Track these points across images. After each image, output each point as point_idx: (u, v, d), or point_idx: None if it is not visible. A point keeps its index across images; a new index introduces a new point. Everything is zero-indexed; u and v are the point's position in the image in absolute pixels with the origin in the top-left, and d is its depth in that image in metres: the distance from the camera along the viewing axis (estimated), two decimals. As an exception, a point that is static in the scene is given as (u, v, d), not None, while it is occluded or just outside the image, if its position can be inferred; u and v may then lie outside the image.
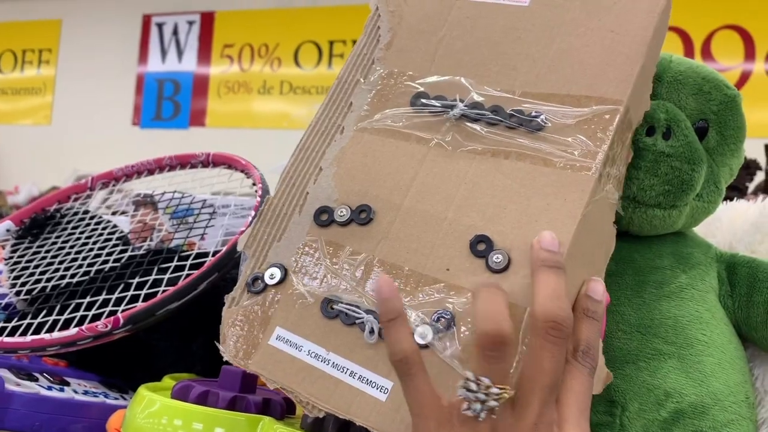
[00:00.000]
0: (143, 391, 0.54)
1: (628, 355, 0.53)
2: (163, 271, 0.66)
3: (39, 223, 0.81)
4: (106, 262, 0.71)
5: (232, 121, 3.61)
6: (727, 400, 0.52)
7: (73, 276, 0.70)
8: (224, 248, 0.64)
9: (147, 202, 0.88)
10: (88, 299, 0.65)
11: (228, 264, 0.63)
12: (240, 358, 0.47)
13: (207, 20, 3.69)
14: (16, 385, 0.60)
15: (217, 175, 0.83)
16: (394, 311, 0.39)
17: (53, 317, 0.64)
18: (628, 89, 0.44)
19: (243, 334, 0.48)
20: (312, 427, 0.50)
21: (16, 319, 0.67)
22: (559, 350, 0.38)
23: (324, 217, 0.49)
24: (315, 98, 3.42)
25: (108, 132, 3.71)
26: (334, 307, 0.45)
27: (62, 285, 0.70)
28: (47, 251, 0.76)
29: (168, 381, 0.61)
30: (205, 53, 3.68)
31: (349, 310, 0.45)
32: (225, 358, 0.48)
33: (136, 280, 0.66)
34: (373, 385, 0.42)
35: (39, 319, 0.64)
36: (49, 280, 0.71)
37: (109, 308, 0.62)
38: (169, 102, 3.73)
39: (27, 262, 0.75)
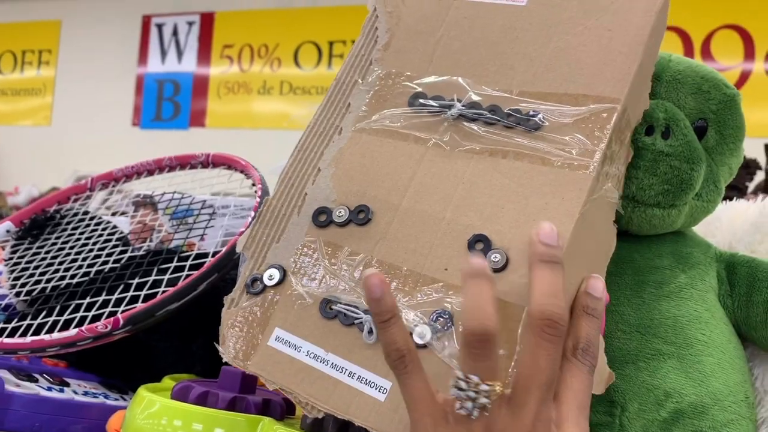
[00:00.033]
0: (143, 392, 0.54)
1: (627, 356, 0.53)
2: (163, 271, 0.66)
3: (39, 224, 0.81)
4: (105, 262, 0.71)
5: (232, 122, 3.61)
6: (726, 400, 0.52)
7: (72, 277, 0.70)
8: (224, 249, 0.64)
9: (147, 202, 0.88)
10: (87, 300, 0.65)
11: (228, 265, 0.63)
12: (239, 359, 0.47)
13: (207, 21, 3.69)
14: (16, 386, 0.60)
15: (216, 176, 0.83)
16: (388, 311, 0.39)
17: (53, 318, 0.64)
18: (625, 88, 0.44)
19: (242, 335, 0.48)
20: (311, 428, 0.50)
21: (16, 320, 0.67)
22: (555, 348, 0.37)
23: (322, 218, 0.49)
24: (315, 98, 3.42)
25: (108, 133, 3.71)
26: (333, 307, 0.45)
27: (62, 286, 0.70)
28: (47, 252, 0.76)
29: (168, 382, 0.61)
30: (204, 54, 3.68)
31: (347, 310, 0.45)
32: (224, 360, 0.48)
33: (136, 280, 0.66)
34: (372, 385, 0.42)
35: (39, 320, 0.64)
36: (49, 280, 0.71)
37: (109, 309, 0.62)
38: (169, 103, 3.74)
39: (27, 263, 0.75)
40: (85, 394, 0.65)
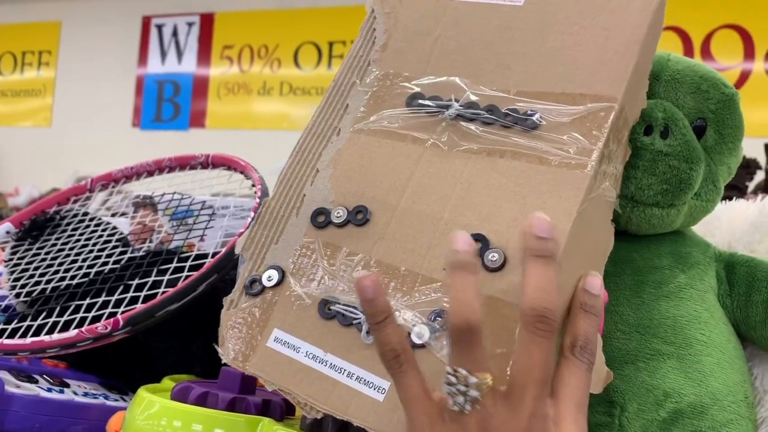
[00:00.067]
0: (143, 393, 0.54)
1: (627, 356, 0.53)
2: (163, 272, 0.66)
3: (39, 225, 0.81)
4: (105, 263, 0.71)
5: (232, 122, 3.61)
6: (726, 400, 0.52)
7: (72, 278, 0.70)
8: (223, 249, 0.64)
9: (146, 203, 0.88)
10: (87, 301, 0.65)
11: (227, 265, 0.63)
12: (238, 360, 0.47)
13: (206, 21, 3.69)
14: (16, 387, 0.60)
15: (216, 177, 0.83)
16: (382, 312, 0.39)
17: (53, 319, 0.64)
18: (622, 87, 0.44)
19: (241, 336, 0.48)
20: (311, 428, 0.51)
21: (16, 321, 0.67)
22: (548, 343, 0.37)
23: (321, 219, 0.49)
24: (315, 99, 3.42)
25: (108, 133, 3.71)
26: (332, 308, 0.46)
27: (62, 287, 0.70)
28: (47, 253, 0.76)
29: (168, 382, 0.61)
30: (204, 54, 3.69)
31: (346, 310, 0.45)
32: (223, 361, 0.48)
33: (136, 281, 0.66)
34: (371, 385, 0.43)
35: (39, 321, 0.64)
36: (48, 282, 0.71)
37: (109, 310, 0.62)
38: (169, 103, 3.74)
39: (27, 264, 0.75)
40: (85, 395, 0.65)
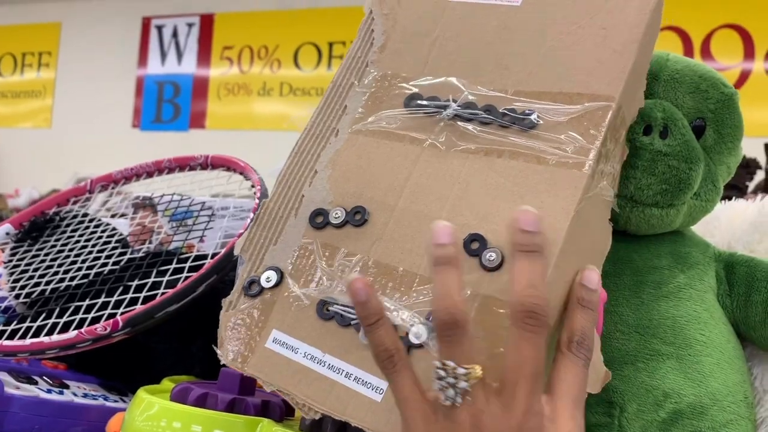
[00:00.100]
0: (142, 394, 0.54)
1: (626, 356, 0.52)
2: (162, 273, 0.66)
3: (38, 226, 0.81)
4: (105, 264, 0.71)
5: (232, 123, 3.61)
6: (725, 400, 0.52)
7: (72, 279, 0.70)
8: (223, 250, 0.64)
9: (146, 204, 0.88)
10: (87, 302, 0.65)
11: (227, 266, 0.63)
12: (237, 361, 0.47)
13: (206, 22, 3.69)
14: (16, 389, 0.60)
15: (215, 178, 0.83)
16: (374, 314, 0.39)
17: (52, 320, 0.64)
18: (620, 86, 0.44)
19: (240, 337, 0.48)
20: (310, 429, 0.50)
21: (15, 322, 0.67)
22: (538, 338, 0.37)
23: (319, 220, 0.49)
24: (315, 100, 3.43)
25: (108, 134, 3.71)
26: (330, 308, 0.46)
27: (61, 288, 0.70)
28: (46, 254, 0.76)
29: (167, 383, 0.61)
30: (204, 55, 3.69)
31: (344, 311, 0.45)
32: (222, 362, 0.48)
33: (135, 282, 0.66)
34: (368, 385, 0.43)
35: (38, 323, 0.64)
36: (48, 283, 0.71)
37: (108, 311, 0.62)
38: (169, 104, 3.74)
39: (26, 265, 0.75)
40: (85, 396, 0.65)
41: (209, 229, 0.78)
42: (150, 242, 0.79)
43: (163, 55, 3.77)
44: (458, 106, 0.48)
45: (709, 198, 0.57)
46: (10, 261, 0.77)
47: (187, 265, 0.66)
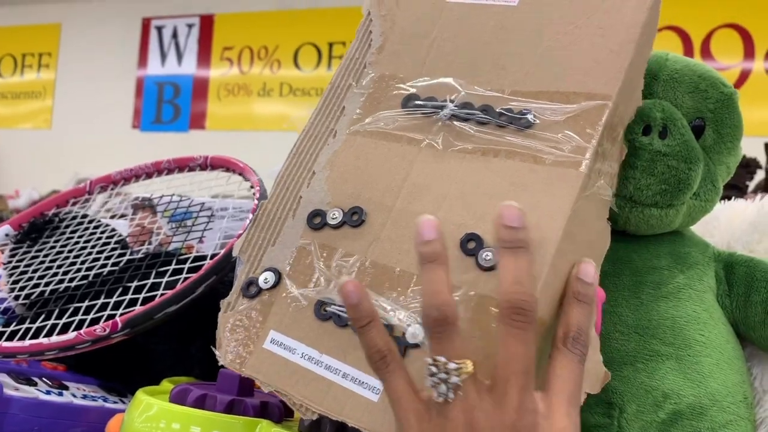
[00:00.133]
0: (141, 395, 0.54)
1: (625, 357, 0.52)
2: (162, 274, 0.66)
3: (38, 228, 0.81)
4: (104, 266, 0.71)
5: (232, 124, 3.61)
6: (725, 401, 0.51)
7: (71, 280, 0.70)
8: (222, 251, 0.64)
9: (145, 205, 0.88)
10: (86, 303, 0.65)
11: (226, 267, 0.63)
12: (235, 362, 0.47)
13: (206, 23, 3.69)
14: (15, 390, 0.60)
15: (215, 178, 0.83)
16: (366, 316, 0.39)
17: (52, 321, 0.64)
18: (616, 85, 0.44)
19: (238, 338, 0.48)
20: (309, 430, 0.50)
21: (14, 323, 0.67)
22: (527, 334, 0.37)
23: (317, 221, 0.49)
24: (315, 100, 3.40)
25: (108, 135, 3.72)
26: (327, 309, 0.46)
27: (61, 289, 0.70)
28: (46, 255, 0.76)
29: (166, 384, 0.61)
30: (204, 56, 3.69)
31: (341, 311, 0.45)
32: (220, 363, 0.48)
33: (135, 283, 0.66)
34: (365, 386, 0.43)
35: (37, 324, 0.64)
36: (47, 284, 0.71)
37: (108, 312, 0.62)
38: (169, 105, 3.74)
39: (26, 266, 0.75)
40: (84, 397, 0.65)
41: (208, 230, 0.78)
42: (149, 243, 0.79)
43: (163, 55, 3.77)
44: (455, 106, 0.48)
45: (709, 198, 0.57)
46: (10, 262, 0.77)
47: (186, 266, 0.66)
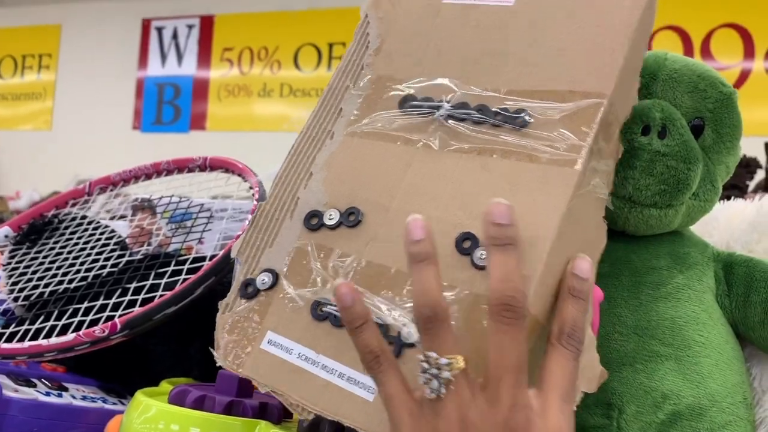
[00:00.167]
0: (140, 397, 0.54)
1: (625, 357, 0.52)
2: (161, 275, 0.66)
3: (37, 229, 0.81)
4: (103, 267, 0.71)
5: (233, 125, 3.61)
6: (724, 402, 0.51)
7: (70, 281, 0.70)
8: (221, 252, 0.64)
9: (145, 206, 0.88)
10: (85, 304, 0.65)
11: (225, 268, 0.63)
12: (233, 363, 0.47)
13: (206, 24, 3.69)
14: (14, 391, 0.60)
15: (214, 179, 0.83)
16: (360, 318, 0.39)
17: (51, 323, 0.64)
18: (611, 83, 0.44)
19: (236, 339, 0.48)
20: (308, 431, 0.50)
21: (14, 324, 0.67)
22: (517, 330, 0.37)
23: (314, 221, 0.49)
24: (315, 101, 3.35)
25: (109, 136, 3.72)
26: (324, 309, 0.46)
27: (60, 290, 0.70)
28: (45, 257, 0.76)
29: (165, 386, 0.61)
30: (204, 57, 3.69)
31: (337, 311, 0.45)
32: (218, 364, 0.48)
33: (134, 285, 0.66)
34: (361, 385, 0.43)
35: (37, 325, 0.64)
36: (47, 285, 0.71)
37: (107, 313, 0.62)
38: (169, 106, 3.74)
39: (25, 267, 0.75)
40: (84, 398, 0.65)
41: (208, 230, 0.78)
42: (149, 244, 0.79)
43: (164, 56, 3.77)
44: (451, 106, 0.48)
45: (708, 198, 0.57)
46: (9, 263, 0.77)
47: (186, 267, 0.66)
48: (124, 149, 3.46)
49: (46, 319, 0.65)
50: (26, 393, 0.61)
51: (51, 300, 0.69)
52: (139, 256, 0.72)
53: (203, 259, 0.66)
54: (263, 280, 0.49)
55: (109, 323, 0.59)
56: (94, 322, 0.62)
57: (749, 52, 2.79)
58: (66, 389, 0.66)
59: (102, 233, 0.78)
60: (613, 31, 0.45)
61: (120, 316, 0.60)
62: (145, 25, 3.80)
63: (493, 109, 0.47)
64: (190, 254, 0.71)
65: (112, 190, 0.87)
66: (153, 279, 0.66)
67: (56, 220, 0.82)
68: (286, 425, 0.54)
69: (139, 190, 0.89)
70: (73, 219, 0.82)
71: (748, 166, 1.67)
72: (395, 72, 0.52)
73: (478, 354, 0.38)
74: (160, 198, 0.84)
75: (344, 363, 0.44)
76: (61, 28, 3.99)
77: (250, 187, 0.74)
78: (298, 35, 3.51)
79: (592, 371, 0.43)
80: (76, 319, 0.63)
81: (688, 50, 2.80)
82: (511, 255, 0.38)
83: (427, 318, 0.37)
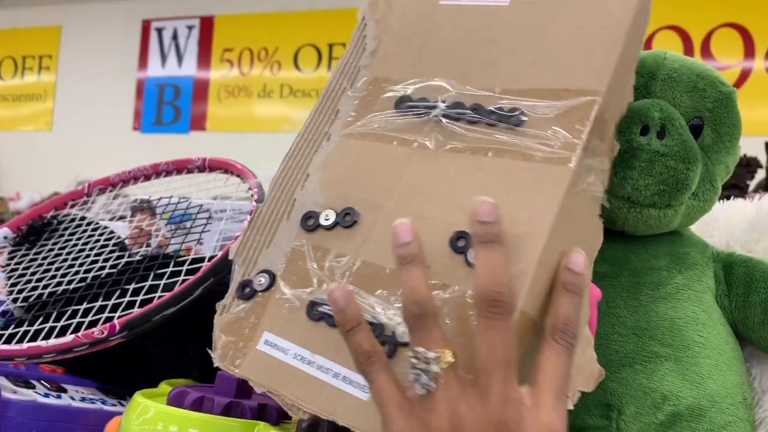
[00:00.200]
0: (138, 398, 0.54)
1: (624, 358, 0.52)
2: (160, 276, 0.66)
3: (36, 230, 0.81)
4: (102, 268, 0.71)
5: (233, 125, 3.61)
6: (724, 402, 0.51)
7: (69, 283, 0.70)
8: (220, 253, 0.64)
9: (144, 207, 0.88)
10: (84, 306, 0.65)
11: (224, 269, 0.63)
12: (230, 364, 0.48)
13: (206, 25, 3.69)
14: (13, 393, 0.60)
15: (213, 180, 0.83)
16: (353, 320, 0.40)
17: (50, 324, 0.64)
18: (605, 80, 0.44)
19: (233, 340, 0.48)
20: (307, 432, 0.50)
21: (13, 326, 0.67)
22: (505, 325, 0.37)
23: (310, 222, 0.49)
24: (315, 101, 3.38)
25: (109, 137, 3.72)
26: (319, 309, 0.46)
27: (59, 292, 0.69)
28: (44, 258, 0.76)
29: (164, 387, 0.61)
30: (204, 57, 3.69)
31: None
32: (215, 364, 0.48)
33: (133, 286, 0.66)
34: (356, 385, 0.43)
35: (35, 327, 0.64)
36: (45, 287, 0.71)
37: (106, 315, 0.62)
38: (169, 107, 3.74)
39: (24, 269, 0.75)
40: (83, 399, 0.65)
41: (207, 231, 0.78)
42: (148, 245, 0.79)
43: (164, 57, 3.77)
44: (446, 106, 0.48)
45: (707, 198, 0.57)
46: (8, 265, 0.77)
47: (185, 268, 0.66)
48: (125, 150, 3.46)
49: (45, 321, 0.65)
50: (25, 394, 0.61)
51: (50, 301, 0.68)
52: (138, 257, 0.72)
53: (202, 260, 0.66)
54: (260, 281, 0.49)
55: (108, 324, 0.59)
56: (93, 324, 0.62)
57: (749, 51, 2.79)
58: (65, 390, 0.66)
59: (101, 234, 0.78)
60: (607, 29, 0.45)
61: (119, 317, 0.60)
62: (145, 26, 3.80)
63: (488, 109, 0.47)
64: (189, 255, 0.71)
65: (111, 191, 0.87)
66: (152, 280, 0.66)
67: (55, 222, 0.82)
68: (284, 426, 0.54)
69: (138, 191, 0.89)
70: (72, 220, 0.82)
71: (749, 165, 1.67)
72: (391, 73, 0.52)
73: (471, 352, 0.38)
74: (160, 199, 0.84)
75: (339, 363, 0.44)
76: (61, 29, 3.99)
77: (249, 188, 0.74)
78: (298, 36, 3.51)
79: (590, 370, 0.43)
80: (75, 321, 0.63)
81: (688, 50, 2.80)
82: (496, 252, 0.38)
83: (416, 315, 0.38)
